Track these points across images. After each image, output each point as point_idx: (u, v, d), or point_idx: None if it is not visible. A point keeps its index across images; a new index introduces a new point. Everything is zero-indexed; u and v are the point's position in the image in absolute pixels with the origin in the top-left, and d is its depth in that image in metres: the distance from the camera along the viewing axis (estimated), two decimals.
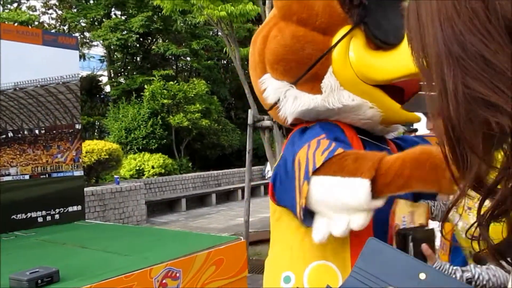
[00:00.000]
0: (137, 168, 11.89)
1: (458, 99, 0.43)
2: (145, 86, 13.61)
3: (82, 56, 16.37)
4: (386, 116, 1.66)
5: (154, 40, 17.54)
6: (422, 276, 0.91)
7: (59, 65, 6.28)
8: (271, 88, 1.71)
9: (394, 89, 1.65)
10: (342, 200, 1.35)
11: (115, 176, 9.82)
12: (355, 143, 1.64)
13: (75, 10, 17.93)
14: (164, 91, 13.29)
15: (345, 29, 1.59)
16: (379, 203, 1.34)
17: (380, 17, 1.59)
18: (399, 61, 1.47)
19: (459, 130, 0.44)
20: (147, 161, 12.03)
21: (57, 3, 19.67)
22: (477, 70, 0.41)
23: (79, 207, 6.35)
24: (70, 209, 6.36)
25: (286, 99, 1.68)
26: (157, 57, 17.51)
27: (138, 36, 15.64)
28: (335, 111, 1.65)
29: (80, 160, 6.63)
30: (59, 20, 19.53)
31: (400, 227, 1.49)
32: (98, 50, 20.06)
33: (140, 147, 12.84)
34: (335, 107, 1.62)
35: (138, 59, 18.11)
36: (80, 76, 6.82)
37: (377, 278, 1.02)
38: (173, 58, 17.83)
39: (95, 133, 16.49)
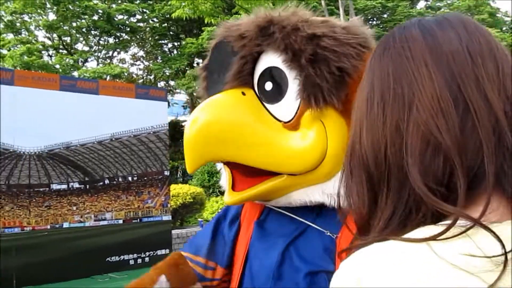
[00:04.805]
0: (220, 211, 12.14)
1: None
2: None
3: (167, 103, 17.32)
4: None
5: None
6: None
7: (149, 115, 6.74)
8: None
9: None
10: None
11: (199, 219, 10.12)
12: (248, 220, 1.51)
13: (160, 61, 19.20)
14: None
15: None
16: None
17: None
18: None
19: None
20: None
21: (144, 55, 21.21)
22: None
23: (167, 251, 6.62)
24: (159, 252, 6.64)
25: None
26: None
27: None
28: None
29: (169, 205, 6.96)
30: (146, 71, 20.99)
31: None
32: (181, 97, 21.23)
33: (222, 190, 13.09)
34: None
35: None
36: (168, 125, 7.27)
37: None
38: None
39: (179, 177, 17.16)
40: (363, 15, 18.38)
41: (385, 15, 20.19)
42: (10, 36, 18.23)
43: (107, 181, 6.45)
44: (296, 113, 1.27)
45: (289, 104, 1.28)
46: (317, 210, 1.32)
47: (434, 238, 0.51)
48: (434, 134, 0.54)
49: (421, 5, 22.55)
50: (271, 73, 1.31)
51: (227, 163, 1.35)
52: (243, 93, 1.32)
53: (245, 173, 1.31)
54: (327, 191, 1.27)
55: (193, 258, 1.53)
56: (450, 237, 0.51)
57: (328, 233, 1.27)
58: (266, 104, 1.32)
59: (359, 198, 0.62)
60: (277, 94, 1.30)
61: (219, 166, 1.53)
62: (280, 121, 1.29)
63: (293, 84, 1.25)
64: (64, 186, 5.95)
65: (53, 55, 18.90)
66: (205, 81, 1.49)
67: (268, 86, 1.31)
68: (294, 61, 1.23)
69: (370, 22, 20.43)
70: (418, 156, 0.55)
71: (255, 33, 1.29)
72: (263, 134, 1.26)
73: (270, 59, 1.30)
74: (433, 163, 0.54)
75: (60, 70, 16.86)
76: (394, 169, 0.57)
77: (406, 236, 0.54)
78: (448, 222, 0.52)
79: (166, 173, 7.02)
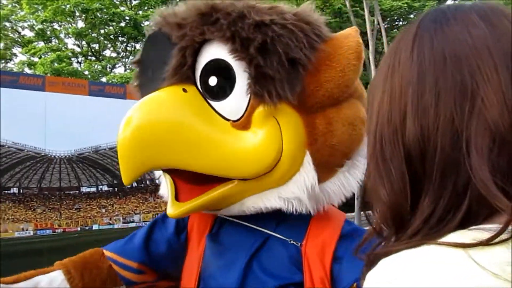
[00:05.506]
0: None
1: None
2: None
3: None
4: None
5: None
6: None
7: None
8: None
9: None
10: None
11: None
12: (198, 228, 1.34)
13: None
14: None
15: None
16: None
17: None
18: None
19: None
20: None
21: None
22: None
23: None
24: None
25: None
26: None
27: None
28: None
29: None
30: None
31: None
32: None
33: None
34: None
35: None
36: None
37: None
38: None
39: None
40: (389, 16, 18.24)
41: (412, 15, 19.94)
42: (41, 44, 18.73)
43: (135, 184, 6.53)
44: (246, 110, 1.12)
45: (237, 101, 1.13)
46: (277, 217, 1.20)
47: (480, 244, 0.47)
48: (501, 131, 0.50)
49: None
50: (215, 66, 1.14)
51: (167, 170, 1.16)
52: (185, 90, 1.14)
53: (190, 180, 1.14)
54: (284, 195, 1.15)
55: (119, 259, 1.38)
56: (490, 244, 0.47)
57: (292, 242, 1.17)
58: (211, 102, 1.16)
59: (401, 193, 0.56)
60: (223, 89, 1.14)
61: (158, 173, 1.33)
62: (228, 120, 1.14)
63: (242, 78, 1.11)
64: (93, 189, 6.07)
65: (82, 61, 19.32)
66: (138, 79, 1.31)
67: (213, 81, 1.15)
68: (242, 51, 1.07)
69: (397, 22, 20.20)
70: (487, 152, 0.50)
71: (196, 21, 1.13)
72: (208, 136, 1.10)
73: (214, 50, 1.13)
74: (501, 161, 0.50)
75: (89, 76, 17.24)
76: (441, 162, 0.53)
77: (443, 240, 0.49)
78: (484, 226, 0.49)
79: None
